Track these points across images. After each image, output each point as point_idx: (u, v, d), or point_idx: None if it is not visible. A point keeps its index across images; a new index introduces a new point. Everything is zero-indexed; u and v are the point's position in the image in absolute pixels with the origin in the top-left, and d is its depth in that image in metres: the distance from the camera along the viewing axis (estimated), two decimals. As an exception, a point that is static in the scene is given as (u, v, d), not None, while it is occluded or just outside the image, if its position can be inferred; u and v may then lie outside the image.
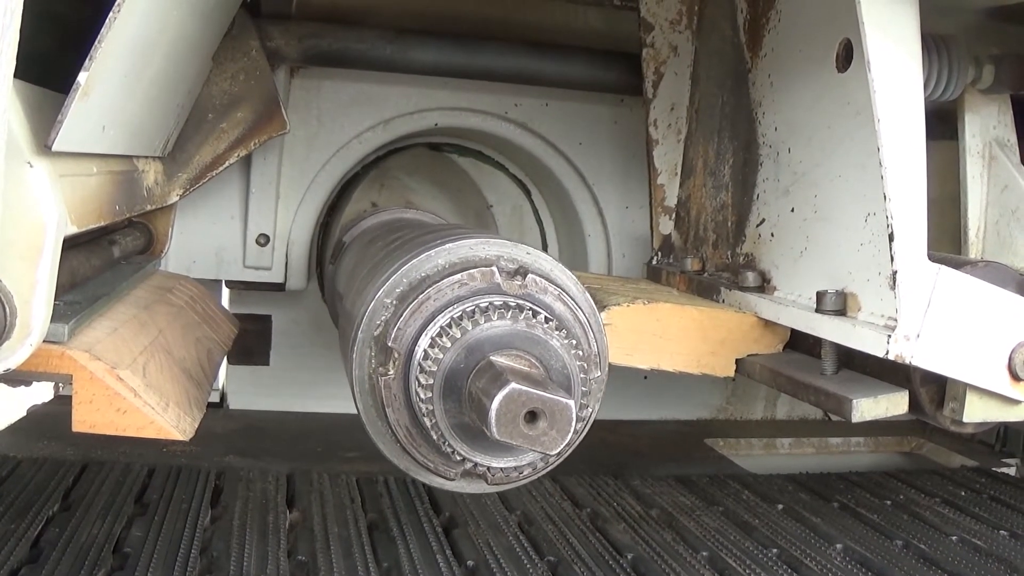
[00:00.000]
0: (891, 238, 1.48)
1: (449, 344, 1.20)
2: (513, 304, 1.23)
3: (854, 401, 1.57)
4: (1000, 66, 1.93)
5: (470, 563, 1.95)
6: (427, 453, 1.29)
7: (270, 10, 2.55)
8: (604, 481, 2.57)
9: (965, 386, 1.55)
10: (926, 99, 1.60)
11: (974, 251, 2.01)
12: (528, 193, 3.38)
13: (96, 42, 1.24)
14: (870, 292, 1.59)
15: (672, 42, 2.41)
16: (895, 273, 1.48)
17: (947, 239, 2.03)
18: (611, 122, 3.02)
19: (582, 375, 1.24)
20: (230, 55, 2.28)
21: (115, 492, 2.19)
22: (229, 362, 3.21)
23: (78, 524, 1.97)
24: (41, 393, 3.09)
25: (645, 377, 3.00)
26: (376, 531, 2.12)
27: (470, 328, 1.20)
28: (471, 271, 1.26)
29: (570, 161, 3.04)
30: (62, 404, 2.95)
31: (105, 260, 1.79)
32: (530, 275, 1.27)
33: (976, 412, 1.56)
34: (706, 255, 2.23)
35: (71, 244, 1.51)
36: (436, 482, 1.33)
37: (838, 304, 1.64)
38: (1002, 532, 2.32)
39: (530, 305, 1.24)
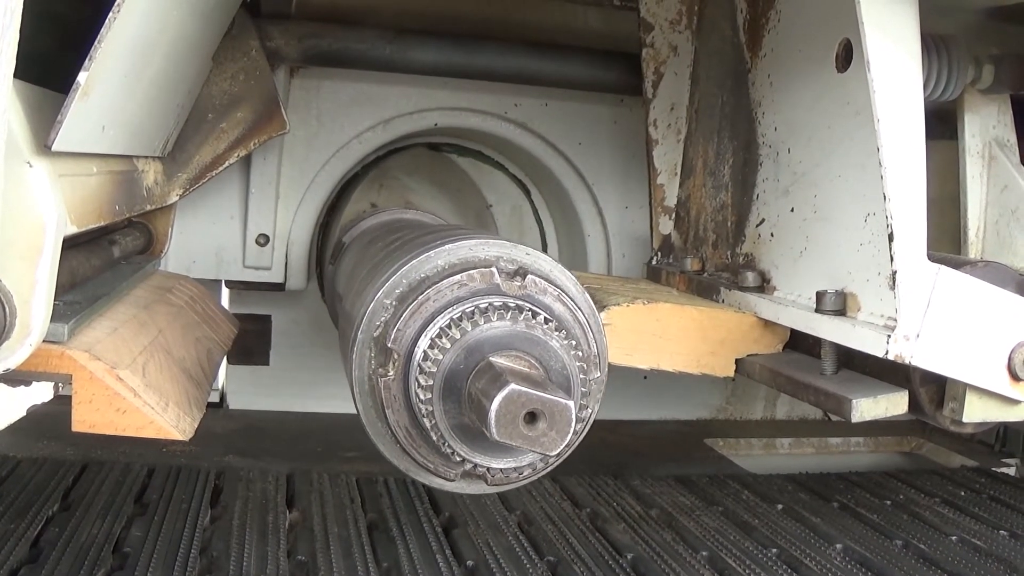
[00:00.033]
0: (891, 238, 1.48)
1: (449, 345, 1.20)
2: (512, 305, 1.23)
3: (854, 401, 1.57)
4: (1000, 66, 1.93)
5: (470, 563, 1.95)
6: (427, 454, 1.29)
7: (270, 10, 2.55)
8: (604, 481, 2.57)
9: (965, 386, 1.55)
10: (926, 99, 1.60)
11: (974, 251, 2.01)
12: (528, 193, 3.38)
13: (96, 42, 1.24)
14: (870, 292, 1.59)
15: (672, 42, 2.41)
16: (895, 273, 1.48)
17: (947, 239, 2.03)
18: (611, 122, 3.02)
19: (582, 376, 1.24)
20: (230, 55, 2.28)
21: (115, 492, 2.19)
22: (229, 362, 3.21)
23: (78, 524, 1.97)
24: (41, 393, 3.09)
25: (645, 377, 3.00)
26: (376, 531, 2.12)
27: (470, 329, 1.20)
28: (470, 272, 1.25)
29: (570, 161, 3.04)
30: (62, 404, 2.95)
31: (105, 260, 1.79)
32: (529, 276, 1.26)
33: (976, 412, 1.56)
34: (706, 255, 2.23)
35: (71, 244, 1.51)
36: (436, 483, 1.33)
37: (838, 304, 1.64)
38: (1002, 532, 2.32)
39: (529, 306, 1.23)
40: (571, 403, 1.10)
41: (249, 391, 3.24)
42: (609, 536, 2.15)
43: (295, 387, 3.21)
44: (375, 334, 1.27)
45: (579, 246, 3.18)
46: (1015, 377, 1.53)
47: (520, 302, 1.24)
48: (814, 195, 1.80)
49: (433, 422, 1.21)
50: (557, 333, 1.23)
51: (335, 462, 2.63)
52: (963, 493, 2.65)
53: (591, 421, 1.34)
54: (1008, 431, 3.19)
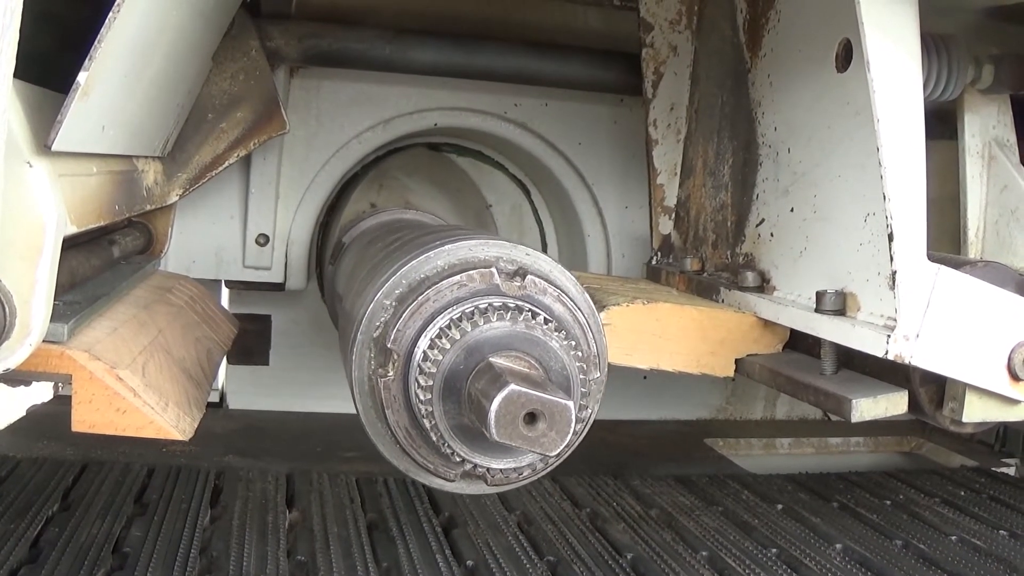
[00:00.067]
0: (890, 238, 1.48)
1: (448, 345, 1.20)
2: (512, 305, 1.23)
3: (853, 401, 1.57)
4: (1000, 66, 1.93)
5: (469, 563, 1.95)
6: (427, 454, 1.29)
7: (270, 10, 2.55)
8: (604, 481, 2.57)
9: (964, 386, 1.55)
10: (926, 99, 1.60)
11: (973, 251, 2.01)
12: (527, 193, 3.38)
13: (96, 42, 1.24)
14: (869, 292, 1.59)
15: (672, 42, 2.41)
16: (894, 273, 1.48)
17: (947, 239, 2.03)
18: (611, 122, 3.02)
19: (581, 376, 1.24)
20: (230, 55, 2.28)
21: (115, 492, 2.19)
22: (229, 362, 3.21)
23: (78, 524, 1.97)
24: (41, 393, 3.09)
25: (644, 377, 3.00)
26: (376, 531, 2.12)
27: (469, 329, 1.20)
28: (470, 272, 1.25)
29: (569, 161, 3.04)
30: (62, 404, 2.95)
31: (105, 260, 1.79)
32: (529, 276, 1.26)
33: (975, 412, 1.56)
34: (705, 255, 2.23)
35: (71, 244, 1.51)
36: (436, 483, 1.33)
37: (837, 304, 1.64)
38: (1002, 532, 2.33)
39: (529, 306, 1.23)
40: (571, 403, 1.10)
41: (249, 391, 3.24)
42: (609, 536, 2.15)
43: (295, 387, 3.21)
44: (375, 334, 1.27)
45: (579, 246, 3.18)
46: (1015, 377, 1.53)
47: (520, 302, 1.24)
48: (814, 195, 1.80)
49: (433, 422, 1.21)
50: (557, 333, 1.23)
51: (335, 462, 2.63)
52: (963, 493, 2.66)
53: (591, 421, 1.34)
54: (1008, 431, 3.19)
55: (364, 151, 2.91)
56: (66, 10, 1.82)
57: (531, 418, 1.09)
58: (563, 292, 1.29)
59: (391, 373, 1.24)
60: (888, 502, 2.54)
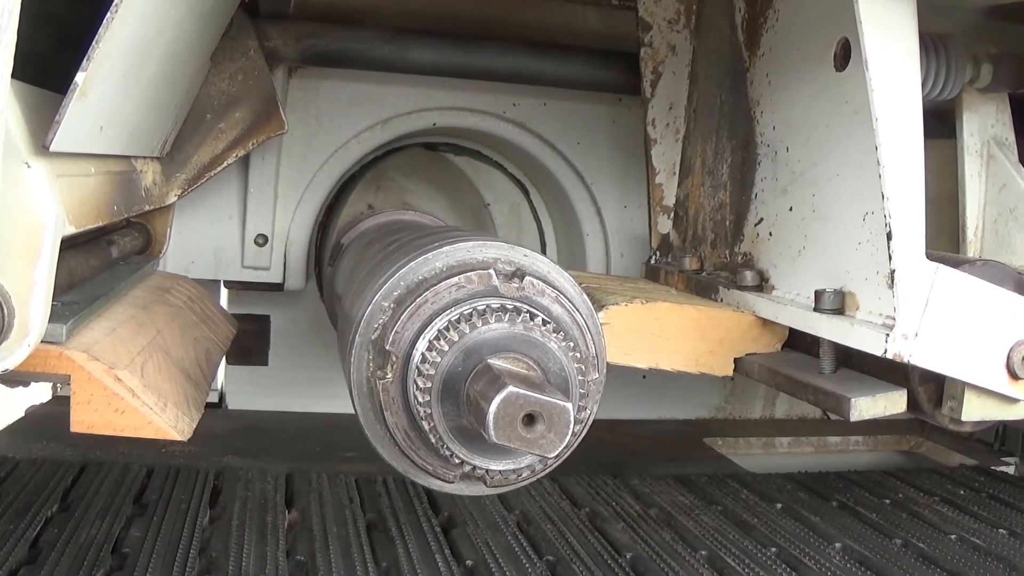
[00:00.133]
0: (889, 237, 1.48)
1: (447, 347, 1.20)
2: (510, 307, 1.22)
3: (852, 400, 1.57)
4: (998, 65, 1.93)
5: (469, 563, 1.95)
6: (426, 456, 1.29)
7: (268, 10, 2.55)
8: (603, 480, 2.57)
9: (963, 385, 1.55)
10: (924, 98, 1.60)
11: (972, 250, 2.01)
12: (526, 192, 3.37)
13: (94, 42, 1.23)
14: (868, 291, 1.59)
15: (670, 41, 2.41)
16: (893, 272, 1.48)
17: (945, 238, 2.03)
18: (609, 121, 3.02)
19: (580, 377, 1.24)
20: (228, 55, 2.28)
21: (114, 492, 2.19)
22: (228, 362, 3.21)
23: (77, 524, 1.97)
24: (39, 394, 3.09)
25: (644, 376, 2.99)
26: (375, 531, 2.12)
27: (468, 331, 1.20)
28: (468, 274, 1.25)
29: (568, 161, 3.04)
30: (60, 404, 2.95)
31: (103, 260, 1.79)
32: (527, 277, 1.26)
33: (974, 411, 1.57)
34: (704, 254, 2.23)
35: (69, 244, 1.50)
36: (435, 485, 1.33)
37: (836, 303, 1.64)
38: (1001, 531, 2.33)
39: (527, 308, 1.23)
40: (569, 405, 1.10)
41: (248, 391, 3.24)
42: (608, 535, 2.15)
43: (294, 387, 3.21)
44: (373, 336, 1.27)
45: (578, 245, 3.18)
46: (1014, 375, 1.53)
47: (518, 304, 1.24)
48: (812, 194, 1.80)
49: (432, 424, 1.21)
50: (555, 335, 1.22)
51: (334, 462, 2.63)
52: (962, 492, 2.66)
53: (590, 422, 1.34)
54: (1007, 429, 3.20)
55: (363, 151, 2.91)
56: (64, 10, 1.82)
57: (530, 420, 1.09)
58: (561, 293, 1.29)
59: (390, 375, 1.24)
60: (887, 501, 2.54)
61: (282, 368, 3.25)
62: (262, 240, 2.77)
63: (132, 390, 1.33)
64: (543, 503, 2.35)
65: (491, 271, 1.26)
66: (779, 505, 2.45)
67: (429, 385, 1.19)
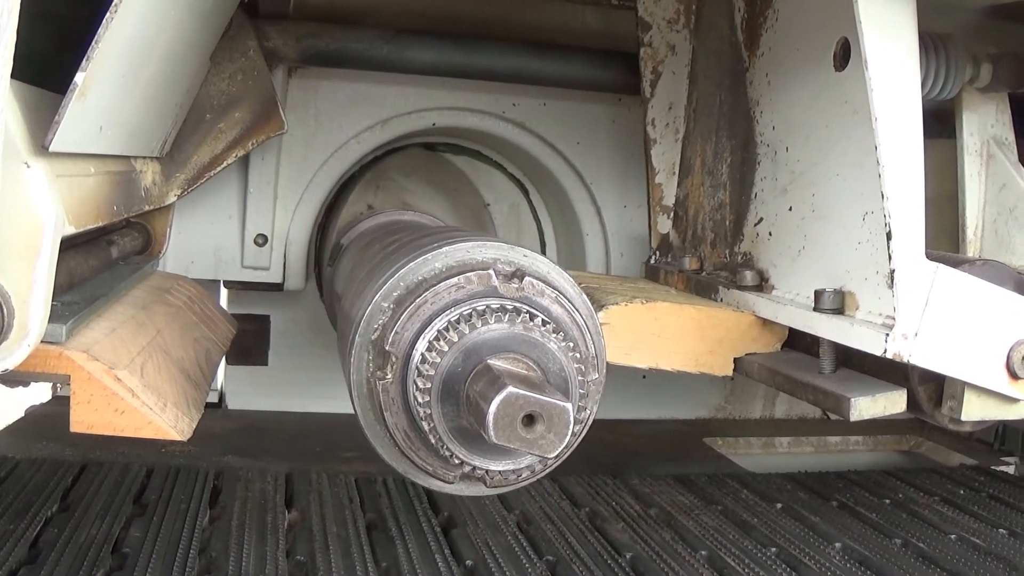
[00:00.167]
0: (889, 236, 1.48)
1: (446, 348, 1.20)
2: (510, 307, 1.22)
3: (852, 400, 1.57)
4: (998, 65, 1.93)
5: (469, 563, 1.95)
6: (425, 456, 1.29)
7: (268, 10, 2.55)
8: (603, 480, 2.57)
9: (963, 384, 1.55)
10: (924, 98, 1.60)
11: (972, 249, 2.01)
12: (526, 192, 3.37)
13: (93, 42, 1.23)
14: (868, 291, 1.59)
15: (670, 41, 2.41)
16: (893, 272, 1.48)
17: (945, 238, 2.03)
18: (609, 121, 3.02)
19: (580, 377, 1.24)
20: (228, 55, 2.28)
21: (114, 492, 2.19)
22: (227, 362, 3.21)
23: (77, 524, 1.97)
24: (39, 394, 3.09)
25: (643, 376, 3.00)
26: (375, 531, 2.12)
27: (467, 332, 1.20)
28: (468, 274, 1.25)
29: (568, 160, 3.04)
30: (60, 405, 2.95)
31: (103, 260, 1.79)
32: (527, 278, 1.26)
33: (974, 410, 1.56)
34: (704, 254, 2.23)
35: (69, 244, 1.50)
36: (435, 485, 1.33)
37: (836, 303, 1.64)
38: (1001, 530, 2.33)
39: (527, 308, 1.23)
40: (569, 405, 1.10)
41: (248, 391, 3.24)
42: (608, 535, 2.15)
43: (294, 387, 3.21)
44: (373, 337, 1.27)
45: (577, 245, 3.18)
46: (1013, 375, 1.53)
47: (518, 304, 1.24)
48: (812, 194, 1.80)
49: (431, 425, 1.21)
50: (555, 335, 1.22)
51: (334, 462, 2.63)
52: (962, 491, 2.66)
53: (589, 422, 1.34)
54: (1007, 429, 3.20)
55: (362, 151, 2.91)
56: (63, 10, 1.82)
57: (529, 420, 1.09)
58: (561, 293, 1.29)
59: (389, 375, 1.24)
60: (887, 501, 2.54)
61: (282, 368, 3.25)
62: (262, 240, 2.77)
63: (132, 390, 1.33)
64: (543, 503, 2.35)
65: (491, 271, 1.26)
66: (779, 505, 2.46)
67: (429, 386, 1.19)
